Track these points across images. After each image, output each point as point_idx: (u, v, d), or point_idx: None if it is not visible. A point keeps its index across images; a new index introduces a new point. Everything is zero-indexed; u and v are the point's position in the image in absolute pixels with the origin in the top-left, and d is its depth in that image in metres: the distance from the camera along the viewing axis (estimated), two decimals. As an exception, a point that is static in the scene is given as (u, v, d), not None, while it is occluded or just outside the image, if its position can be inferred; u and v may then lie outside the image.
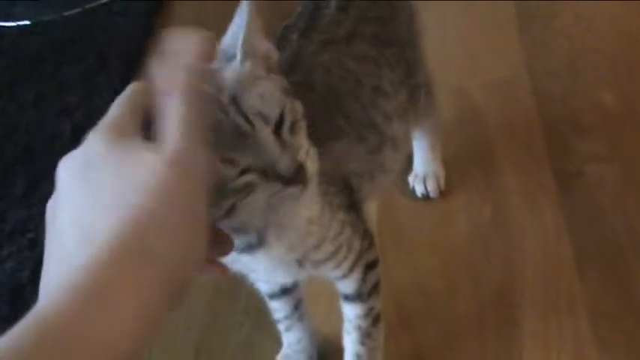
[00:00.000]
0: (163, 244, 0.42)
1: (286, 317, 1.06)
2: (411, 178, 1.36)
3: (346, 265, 0.88)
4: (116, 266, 0.40)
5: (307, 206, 0.76)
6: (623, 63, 1.46)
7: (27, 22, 2.29)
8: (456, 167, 1.37)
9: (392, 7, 1.06)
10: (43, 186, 1.58)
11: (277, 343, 1.13)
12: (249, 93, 0.57)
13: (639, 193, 1.21)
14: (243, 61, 0.59)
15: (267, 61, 0.63)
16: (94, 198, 0.44)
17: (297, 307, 1.06)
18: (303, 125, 0.62)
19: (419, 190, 1.34)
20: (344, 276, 0.90)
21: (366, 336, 0.99)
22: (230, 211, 0.58)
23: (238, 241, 0.70)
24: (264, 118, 0.57)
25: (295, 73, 0.87)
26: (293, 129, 0.60)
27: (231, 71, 0.58)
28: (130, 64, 1.98)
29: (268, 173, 0.57)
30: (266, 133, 0.57)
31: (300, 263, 0.81)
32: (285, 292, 1.02)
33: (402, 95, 1.05)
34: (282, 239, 0.76)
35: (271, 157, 0.56)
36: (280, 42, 0.92)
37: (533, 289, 1.14)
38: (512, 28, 1.64)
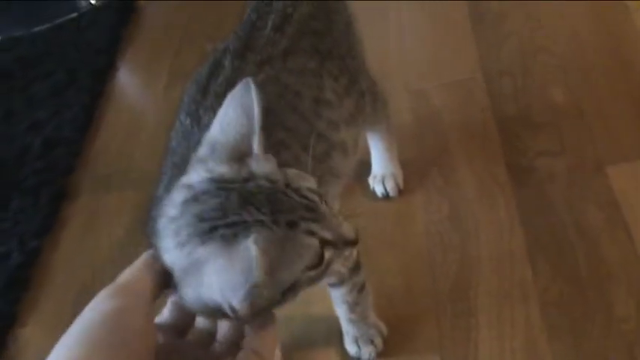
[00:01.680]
0: None
1: None
2: (370, 180, 1.40)
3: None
4: None
5: None
6: (572, 61, 1.51)
7: (-4, 39, 2.31)
8: (416, 167, 1.42)
9: (329, 20, 1.08)
10: (14, 199, 1.61)
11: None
12: (290, 176, 0.58)
13: (585, 185, 1.26)
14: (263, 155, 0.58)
15: None
16: None
17: None
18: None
19: (378, 190, 1.39)
20: None
21: (354, 305, 1.08)
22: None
23: None
24: (318, 193, 0.58)
25: None
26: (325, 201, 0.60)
27: (262, 165, 0.57)
28: (99, 78, 2.01)
29: (337, 243, 0.57)
30: (323, 205, 0.58)
31: None
32: None
33: (349, 102, 1.08)
34: None
35: (335, 225, 0.57)
36: (215, 68, 0.93)
37: (488, 280, 1.18)
38: (467, 31, 1.69)
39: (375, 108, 1.23)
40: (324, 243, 0.56)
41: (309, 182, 0.58)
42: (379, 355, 1.13)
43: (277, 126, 0.93)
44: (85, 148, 1.78)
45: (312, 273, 0.56)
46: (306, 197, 0.56)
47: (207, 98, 0.88)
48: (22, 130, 1.83)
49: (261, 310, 0.54)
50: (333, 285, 1.03)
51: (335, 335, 1.17)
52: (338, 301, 1.08)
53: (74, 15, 2.29)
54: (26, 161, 1.72)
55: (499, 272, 1.19)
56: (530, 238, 1.22)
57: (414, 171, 1.41)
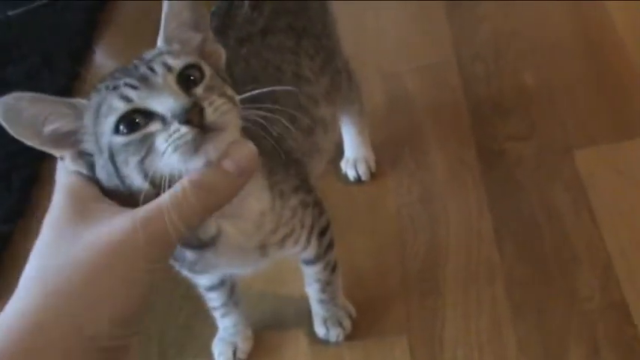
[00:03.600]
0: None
1: (222, 305, 1.11)
2: (343, 164, 1.41)
3: (303, 239, 0.94)
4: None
5: (257, 198, 0.79)
6: (543, 45, 1.52)
7: (-29, 24, 2.28)
8: (387, 150, 1.43)
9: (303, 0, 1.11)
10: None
11: (214, 327, 1.18)
12: (158, 51, 0.63)
13: (553, 169, 1.27)
14: (166, 44, 0.65)
15: (206, 54, 0.67)
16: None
17: (231, 294, 1.11)
18: (220, 89, 0.62)
19: (351, 174, 1.39)
20: (304, 248, 0.96)
21: (326, 284, 1.09)
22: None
23: (201, 233, 0.75)
24: (168, 67, 0.60)
25: None
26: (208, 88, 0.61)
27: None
28: (75, 60, 2.00)
29: (165, 117, 0.57)
30: (164, 78, 0.59)
31: (262, 249, 0.85)
32: (222, 283, 1.07)
33: (325, 80, 1.11)
34: (238, 228, 0.78)
35: (166, 99, 0.57)
36: None
37: (456, 261, 1.20)
38: (441, 15, 1.69)
39: (350, 87, 1.26)
40: (144, 114, 0.58)
41: (176, 59, 0.61)
42: (347, 337, 1.15)
43: (266, 97, 0.95)
44: (59, 131, 1.77)
45: (121, 139, 0.58)
46: (150, 68, 0.60)
47: None
48: (-4, 114, 1.82)
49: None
50: (307, 262, 1.04)
51: (304, 317, 1.18)
52: (310, 280, 1.09)
53: (50, -2, 2.27)
54: (2, 145, 1.70)
55: (467, 254, 1.20)
56: (497, 220, 1.23)
57: (386, 154, 1.42)
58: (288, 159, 0.92)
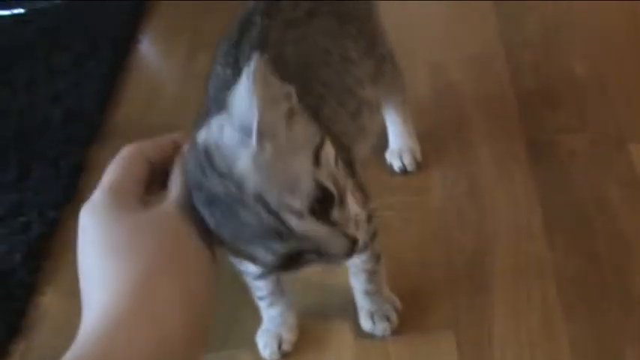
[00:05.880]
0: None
1: (269, 294, 1.11)
2: (387, 155, 1.39)
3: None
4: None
5: None
6: (595, 35, 1.48)
7: (21, 11, 2.32)
8: (433, 141, 1.41)
9: None
10: (35, 170, 1.62)
11: (257, 318, 1.17)
12: (272, 183, 0.51)
13: (606, 163, 1.24)
14: (259, 143, 0.51)
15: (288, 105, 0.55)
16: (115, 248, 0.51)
17: (278, 282, 1.10)
18: (346, 190, 0.57)
19: (396, 165, 1.38)
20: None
21: (372, 274, 1.08)
22: None
23: None
24: (294, 211, 0.52)
25: (267, 49, 0.92)
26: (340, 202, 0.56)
27: (246, 159, 0.51)
28: (120, 49, 2.01)
29: (322, 253, 0.55)
30: (302, 224, 0.53)
31: None
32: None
33: (369, 64, 1.11)
34: None
35: (318, 241, 0.54)
36: (244, 25, 0.95)
37: (505, 257, 1.18)
38: (489, 3, 1.66)
39: (395, 75, 1.25)
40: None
41: (297, 193, 0.53)
42: (392, 331, 1.13)
43: (315, 80, 0.96)
44: (105, 119, 1.78)
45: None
46: (279, 218, 0.54)
47: (244, 50, 0.91)
48: (43, 101, 1.84)
49: None
50: None
51: (349, 309, 1.17)
52: (356, 270, 1.08)
53: (97, -15, 2.29)
54: (47, 132, 1.73)
55: (516, 249, 1.18)
56: (548, 215, 1.20)
57: (431, 145, 1.39)
58: (336, 143, 0.90)
